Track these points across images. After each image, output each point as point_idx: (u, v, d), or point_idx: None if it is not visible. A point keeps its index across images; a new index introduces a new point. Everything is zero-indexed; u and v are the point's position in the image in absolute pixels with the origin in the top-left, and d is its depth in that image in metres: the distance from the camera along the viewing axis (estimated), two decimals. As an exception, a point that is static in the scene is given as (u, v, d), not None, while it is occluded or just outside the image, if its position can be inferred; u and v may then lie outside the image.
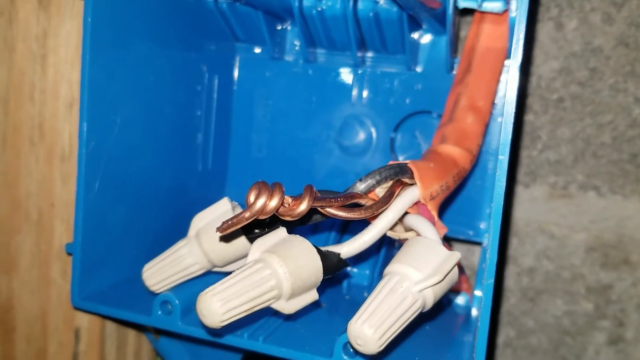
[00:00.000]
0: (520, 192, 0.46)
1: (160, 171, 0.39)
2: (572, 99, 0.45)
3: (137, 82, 0.36)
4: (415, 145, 0.42)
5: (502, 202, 0.26)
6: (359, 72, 0.42)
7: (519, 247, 0.47)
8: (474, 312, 0.37)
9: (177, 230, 0.35)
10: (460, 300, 0.38)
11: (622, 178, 0.44)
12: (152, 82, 0.37)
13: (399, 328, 0.26)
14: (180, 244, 0.32)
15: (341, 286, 0.39)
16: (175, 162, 0.40)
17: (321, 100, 0.44)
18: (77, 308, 0.35)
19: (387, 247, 0.40)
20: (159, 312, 0.32)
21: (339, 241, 0.40)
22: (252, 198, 0.26)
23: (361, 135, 0.43)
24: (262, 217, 0.26)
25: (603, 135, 0.45)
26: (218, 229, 0.26)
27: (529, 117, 0.46)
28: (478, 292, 0.36)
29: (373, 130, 0.43)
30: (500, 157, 0.25)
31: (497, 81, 0.38)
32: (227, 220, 0.26)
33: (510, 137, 0.25)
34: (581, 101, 0.45)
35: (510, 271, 0.47)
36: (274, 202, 0.26)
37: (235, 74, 0.45)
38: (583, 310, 0.46)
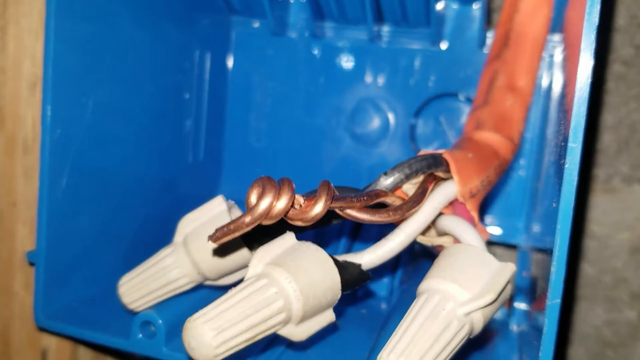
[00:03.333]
0: (555, 186, 0.41)
1: (142, 164, 0.33)
2: (615, 80, 0.39)
3: (114, 59, 0.30)
4: (439, 134, 0.36)
5: (573, 202, 0.20)
6: (374, 48, 0.37)
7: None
8: (514, 327, 0.31)
9: (161, 235, 0.29)
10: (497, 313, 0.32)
11: (673, 170, 0.39)
12: (132, 60, 0.32)
13: (443, 362, 0.20)
14: (165, 252, 0.26)
15: (355, 295, 0.33)
16: (160, 153, 0.34)
17: (330, 82, 0.38)
18: (41, 328, 0.29)
19: (407, 251, 0.34)
20: (139, 335, 0.26)
21: (349, 247, 0.35)
22: (254, 198, 0.20)
23: (376, 122, 0.38)
24: (266, 223, 0.20)
25: (651, 121, 0.39)
26: (210, 238, 0.20)
27: (566, 101, 0.40)
28: (519, 305, 0.31)
29: (390, 115, 0.37)
30: (571, 144, 0.20)
31: (540, 58, 0.32)
32: (222, 227, 0.20)
33: (584, 116, 0.20)
34: (626, 82, 0.39)
35: (543, 276, 0.42)
36: (282, 203, 0.20)
37: (231, 51, 0.39)
38: (626, 319, 0.41)
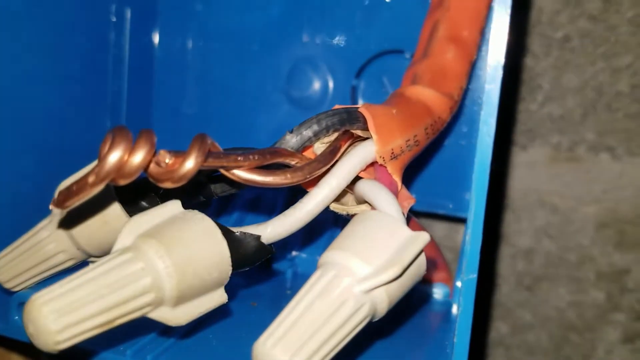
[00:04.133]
0: (515, 155, 0.38)
1: (45, 124, 0.29)
2: (580, 38, 0.36)
3: (28, 7, 0.27)
4: (383, 95, 0.33)
5: (489, 162, 0.17)
6: (312, 1, 0.33)
7: (513, 223, 0.38)
8: (455, 309, 0.28)
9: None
10: (437, 293, 0.29)
11: (643, 136, 0.36)
12: (47, 9, 0.28)
13: (333, 350, 0.17)
14: (41, 224, 0.23)
15: (283, 277, 0.30)
16: (70, 114, 0.31)
17: (264, 40, 0.34)
18: None
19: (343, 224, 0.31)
20: (16, 318, 0.23)
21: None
22: (104, 150, 0.16)
23: (315, 84, 0.34)
24: (122, 182, 0.17)
25: (619, 82, 0.36)
26: (53, 202, 0.17)
27: (526, 62, 0.37)
28: (460, 284, 0.27)
29: (329, 77, 0.34)
30: (487, 86, 0.16)
31: (487, 6, 0.29)
32: (65, 189, 0.17)
33: (504, 47, 0.16)
34: (592, 40, 0.36)
35: (503, 253, 0.39)
36: (137, 158, 0.16)
37: (156, 4, 0.35)
38: (592, 300, 0.38)
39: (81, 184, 0.16)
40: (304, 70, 0.34)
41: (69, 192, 0.16)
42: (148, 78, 0.36)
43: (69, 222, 0.22)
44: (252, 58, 0.35)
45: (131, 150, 0.16)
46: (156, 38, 0.36)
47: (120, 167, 0.16)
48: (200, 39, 0.35)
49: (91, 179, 0.16)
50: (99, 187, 0.16)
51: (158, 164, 0.17)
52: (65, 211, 0.22)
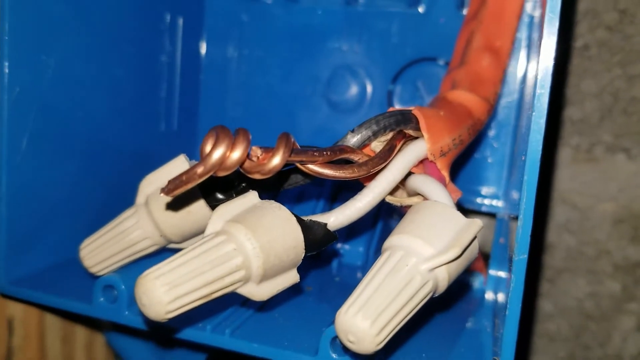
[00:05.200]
0: (537, 155, 0.40)
1: (112, 129, 0.32)
2: (598, 47, 0.39)
3: (77, 16, 0.29)
4: (418, 99, 0.36)
5: (539, 161, 0.19)
6: (351, 11, 0.36)
7: (535, 220, 0.41)
8: (489, 295, 0.30)
9: (130, 201, 0.28)
10: (474, 281, 0.32)
11: (657, 138, 0.38)
12: (98, 19, 0.31)
13: (403, 320, 0.20)
14: (126, 214, 0.26)
15: (330, 267, 0.33)
16: (131, 119, 0.34)
17: (305, 48, 0.37)
18: (5, 295, 0.28)
19: (384, 220, 0.34)
20: (101, 299, 0.26)
21: (329, 210, 0.34)
22: (208, 147, 0.19)
23: (353, 89, 0.37)
24: (221, 174, 0.19)
25: (634, 88, 0.38)
26: (163, 190, 0.19)
27: (548, 68, 0.39)
28: (495, 272, 0.30)
29: (367, 82, 0.37)
30: (539, 90, 0.19)
31: (518, 17, 0.32)
32: (175, 178, 0.19)
33: (552, 62, 0.19)
34: (609, 49, 0.38)
35: (525, 247, 0.41)
36: (236, 154, 0.19)
37: (204, 16, 0.38)
38: (609, 291, 0.40)
39: (190, 175, 0.19)
40: (343, 76, 0.37)
41: (179, 182, 0.19)
42: (196, 83, 0.39)
43: (155, 212, 0.25)
44: (294, 64, 0.37)
45: (232, 147, 0.19)
46: (204, 46, 0.39)
47: (223, 161, 0.19)
48: (245, 47, 0.38)
49: (199, 170, 0.19)
50: (205, 178, 0.19)
51: (251, 158, 0.20)
52: (152, 202, 0.25)
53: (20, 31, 0.26)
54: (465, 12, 0.34)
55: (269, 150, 0.20)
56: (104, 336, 0.35)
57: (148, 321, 0.24)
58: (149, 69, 0.34)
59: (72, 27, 0.29)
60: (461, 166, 0.35)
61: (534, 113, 0.19)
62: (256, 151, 0.20)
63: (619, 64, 0.38)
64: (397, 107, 0.36)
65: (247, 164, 0.20)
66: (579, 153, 0.40)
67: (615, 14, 0.38)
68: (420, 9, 0.35)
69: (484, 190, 0.35)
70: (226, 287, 0.20)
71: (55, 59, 0.28)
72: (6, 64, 0.26)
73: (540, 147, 0.19)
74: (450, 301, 0.30)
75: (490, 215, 0.37)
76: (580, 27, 0.39)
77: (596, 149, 0.39)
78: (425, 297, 0.20)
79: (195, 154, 0.39)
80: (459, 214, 0.21)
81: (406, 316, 0.20)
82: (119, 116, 0.33)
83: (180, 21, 0.36)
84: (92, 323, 0.34)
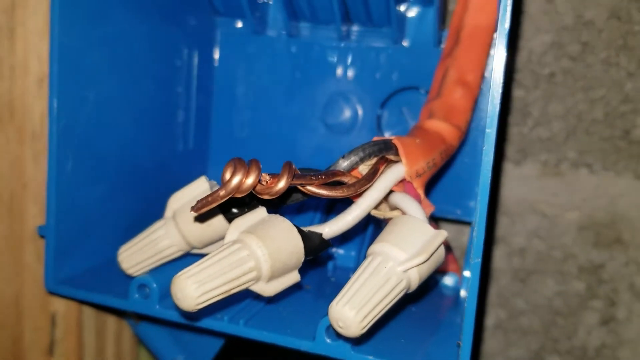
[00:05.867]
0: (510, 170, 0.45)
1: (139, 150, 0.37)
2: (563, 74, 0.44)
3: (112, 56, 0.34)
4: (403, 123, 0.41)
5: (490, 178, 0.24)
6: (344, 46, 0.41)
7: (509, 226, 0.46)
8: (463, 293, 0.36)
9: (155, 212, 0.34)
10: (448, 281, 0.37)
11: (615, 155, 0.43)
12: (128, 57, 0.36)
13: (383, 310, 0.25)
14: (157, 225, 0.31)
15: (326, 268, 0.38)
16: (154, 141, 0.39)
17: (305, 76, 0.42)
18: (51, 293, 0.33)
19: (374, 227, 0.39)
20: (136, 296, 0.31)
21: (324, 221, 0.39)
22: (227, 175, 0.24)
23: (347, 113, 0.42)
24: (238, 196, 0.25)
25: (595, 111, 0.43)
26: (193, 209, 0.25)
27: (519, 93, 0.45)
28: (467, 273, 0.35)
29: (359, 107, 0.42)
30: (487, 130, 0.24)
31: (487, 54, 0.37)
32: (202, 199, 0.24)
33: (498, 108, 0.24)
34: (573, 76, 0.44)
35: (501, 251, 0.46)
36: (250, 180, 0.24)
37: (216, 49, 0.43)
38: (575, 290, 0.45)
39: (214, 197, 0.24)
40: (337, 101, 0.42)
41: (205, 202, 0.24)
42: (208, 108, 0.44)
43: (181, 224, 0.30)
44: (294, 91, 0.43)
45: (246, 175, 0.24)
46: (215, 75, 0.44)
47: (240, 186, 0.24)
48: (252, 75, 0.43)
49: (222, 193, 0.24)
50: (226, 199, 0.24)
51: (261, 183, 0.25)
52: (179, 216, 0.30)
53: (65, 74, 0.31)
54: (442, 47, 0.39)
55: (275, 176, 0.25)
56: (131, 328, 0.40)
57: (180, 312, 0.30)
58: (168, 99, 0.40)
59: (106, 68, 0.34)
60: (441, 181, 0.40)
61: (484, 147, 0.24)
62: (265, 177, 0.25)
63: (581, 89, 0.44)
64: (385, 130, 0.41)
65: (258, 187, 0.25)
66: (547, 168, 0.45)
67: (578, 46, 0.43)
68: (404, 44, 0.40)
69: (461, 201, 0.40)
70: (241, 285, 0.25)
71: (93, 94, 0.33)
72: (55, 100, 0.31)
73: (489, 176, 0.24)
74: (429, 298, 0.35)
75: (467, 223, 0.42)
76: (547, 57, 0.44)
77: (562, 165, 0.45)
78: (400, 293, 0.25)
79: (208, 169, 0.44)
80: (428, 227, 0.27)
81: (384, 307, 0.25)
82: (144, 139, 0.38)
83: (195, 55, 0.41)
84: (121, 316, 0.39)
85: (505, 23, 0.24)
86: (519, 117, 0.45)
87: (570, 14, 0.43)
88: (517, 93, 0.45)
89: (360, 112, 0.42)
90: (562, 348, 0.46)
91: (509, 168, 0.45)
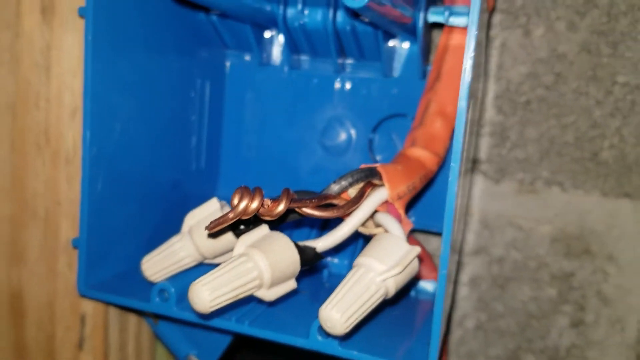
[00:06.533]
0: (490, 187, 0.50)
1: (158, 171, 0.42)
2: (538, 102, 0.48)
3: (135, 91, 0.40)
4: (391, 146, 0.46)
5: (454, 208, 0.29)
6: (340, 77, 0.46)
7: (489, 238, 0.51)
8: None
9: (172, 225, 0.39)
10: (429, 287, 0.42)
11: (584, 175, 0.48)
12: (149, 90, 0.41)
13: (364, 313, 0.30)
14: (175, 239, 0.36)
15: (322, 275, 0.43)
16: (171, 163, 0.44)
17: (305, 104, 0.47)
18: (83, 296, 0.39)
19: (364, 240, 0.44)
20: (157, 299, 0.36)
21: (320, 236, 0.44)
22: (235, 201, 0.29)
23: (342, 136, 0.47)
24: (244, 218, 0.30)
25: (566, 135, 0.48)
26: (207, 228, 0.30)
27: (498, 118, 0.50)
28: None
29: (353, 131, 0.47)
30: (452, 164, 0.29)
31: (465, 88, 0.41)
32: (215, 220, 0.30)
33: (460, 145, 0.29)
34: (547, 103, 0.48)
35: (482, 260, 0.51)
36: (254, 205, 0.29)
37: (226, 79, 0.48)
38: (547, 296, 0.50)
39: (225, 218, 0.29)
40: (334, 126, 0.47)
41: (217, 222, 0.29)
42: (219, 132, 0.49)
43: (196, 239, 0.35)
44: (296, 116, 0.47)
45: (251, 200, 0.29)
46: (225, 102, 0.49)
47: (246, 210, 0.29)
48: (258, 102, 0.48)
49: (231, 215, 0.29)
50: (234, 220, 0.29)
51: (264, 206, 0.30)
52: (194, 232, 0.35)
53: (96, 108, 0.36)
54: (426, 80, 0.44)
55: (275, 200, 0.30)
56: (150, 327, 0.45)
57: (196, 313, 0.35)
58: (183, 126, 0.45)
59: (129, 101, 0.39)
60: (425, 198, 0.45)
61: (449, 179, 0.29)
62: (267, 202, 0.30)
63: (554, 115, 0.48)
64: (376, 152, 0.46)
65: (261, 210, 0.30)
66: (523, 186, 0.50)
67: (551, 76, 0.48)
68: (394, 75, 0.45)
69: (442, 216, 0.45)
70: (246, 291, 0.30)
71: (119, 124, 0.38)
72: (88, 132, 0.36)
73: (455, 186, 0.29)
74: (410, 302, 0.40)
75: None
76: (523, 86, 0.49)
77: (537, 183, 0.49)
78: (379, 299, 0.30)
79: (218, 187, 0.49)
80: (404, 243, 0.32)
81: (366, 310, 0.30)
82: (162, 161, 0.43)
83: (207, 85, 0.46)
84: (141, 316, 0.45)
85: (466, 77, 0.29)
86: (498, 139, 0.50)
87: (545, 48, 0.48)
88: (496, 118, 0.50)
89: (354, 135, 0.47)
90: (536, 347, 0.51)
91: (488, 186, 0.50)
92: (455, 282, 0.52)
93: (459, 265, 0.52)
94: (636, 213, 0.47)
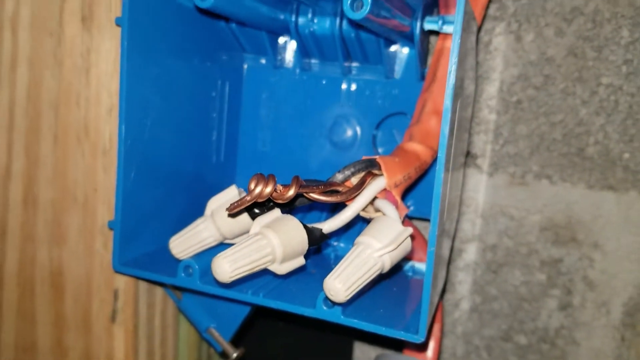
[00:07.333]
0: (485, 180, 0.55)
1: (183, 162, 0.47)
2: (529, 101, 0.53)
3: (164, 91, 0.44)
4: (393, 141, 0.50)
5: (440, 192, 0.34)
6: (346, 79, 0.51)
7: (484, 227, 0.55)
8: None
9: (196, 210, 0.44)
10: (422, 267, 0.46)
11: (571, 168, 0.52)
12: (176, 90, 0.46)
13: (362, 284, 0.34)
14: (199, 221, 0.41)
15: (329, 257, 0.48)
16: (194, 155, 0.49)
17: (315, 103, 0.52)
18: (117, 272, 0.44)
19: (366, 224, 0.48)
20: (182, 275, 0.41)
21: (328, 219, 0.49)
22: (252, 185, 0.34)
23: (348, 132, 0.51)
24: (260, 200, 0.34)
25: (555, 132, 0.52)
26: (227, 210, 0.35)
27: (492, 117, 0.54)
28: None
29: (358, 128, 0.51)
30: (439, 154, 0.34)
31: (458, 89, 0.46)
32: (234, 203, 0.34)
33: (446, 139, 0.33)
34: (536, 103, 0.53)
35: (477, 247, 0.56)
36: (268, 189, 0.34)
37: (244, 80, 0.53)
38: (537, 280, 0.54)
39: (242, 201, 0.34)
40: (341, 123, 0.52)
41: (236, 205, 0.34)
42: (236, 128, 0.54)
43: (217, 221, 0.40)
44: (306, 114, 0.52)
45: (265, 185, 0.34)
46: (243, 101, 0.54)
47: (261, 193, 0.34)
48: (272, 101, 0.53)
49: (248, 198, 0.34)
50: (251, 203, 0.34)
51: (276, 191, 0.35)
52: (216, 215, 0.40)
53: (130, 107, 0.41)
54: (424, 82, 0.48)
55: (287, 186, 0.35)
56: (174, 302, 0.50)
57: (217, 284, 0.39)
58: (205, 122, 0.50)
59: (158, 100, 0.44)
60: (420, 188, 0.50)
61: (436, 167, 0.34)
62: (279, 187, 0.35)
63: (543, 114, 0.53)
64: (379, 146, 0.51)
65: (274, 194, 0.35)
66: (514, 178, 0.54)
67: (541, 78, 0.52)
68: (395, 77, 0.50)
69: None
70: (261, 264, 0.35)
71: (150, 120, 0.43)
72: (123, 127, 0.41)
73: (442, 173, 0.34)
74: (405, 280, 0.45)
75: (445, 223, 0.52)
76: (515, 87, 0.53)
77: (527, 176, 0.54)
78: (376, 272, 0.35)
79: (236, 178, 0.54)
80: (399, 225, 0.36)
81: (364, 282, 0.34)
82: (186, 154, 0.48)
83: (227, 86, 0.51)
84: (165, 287, 0.50)
85: (451, 79, 0.33)
86: (492, 136, 0.54)
87: (535, 52, 0.52)
88: (490, 117, 0.54)
89: (359, 132, 0.51)
90: (527, 328, 0.55)
91: (483, 179, 0.55)
92: (450, 265, 0.56)
93: (456, 252, 0.56)
94: (619, 204, 0.52)
